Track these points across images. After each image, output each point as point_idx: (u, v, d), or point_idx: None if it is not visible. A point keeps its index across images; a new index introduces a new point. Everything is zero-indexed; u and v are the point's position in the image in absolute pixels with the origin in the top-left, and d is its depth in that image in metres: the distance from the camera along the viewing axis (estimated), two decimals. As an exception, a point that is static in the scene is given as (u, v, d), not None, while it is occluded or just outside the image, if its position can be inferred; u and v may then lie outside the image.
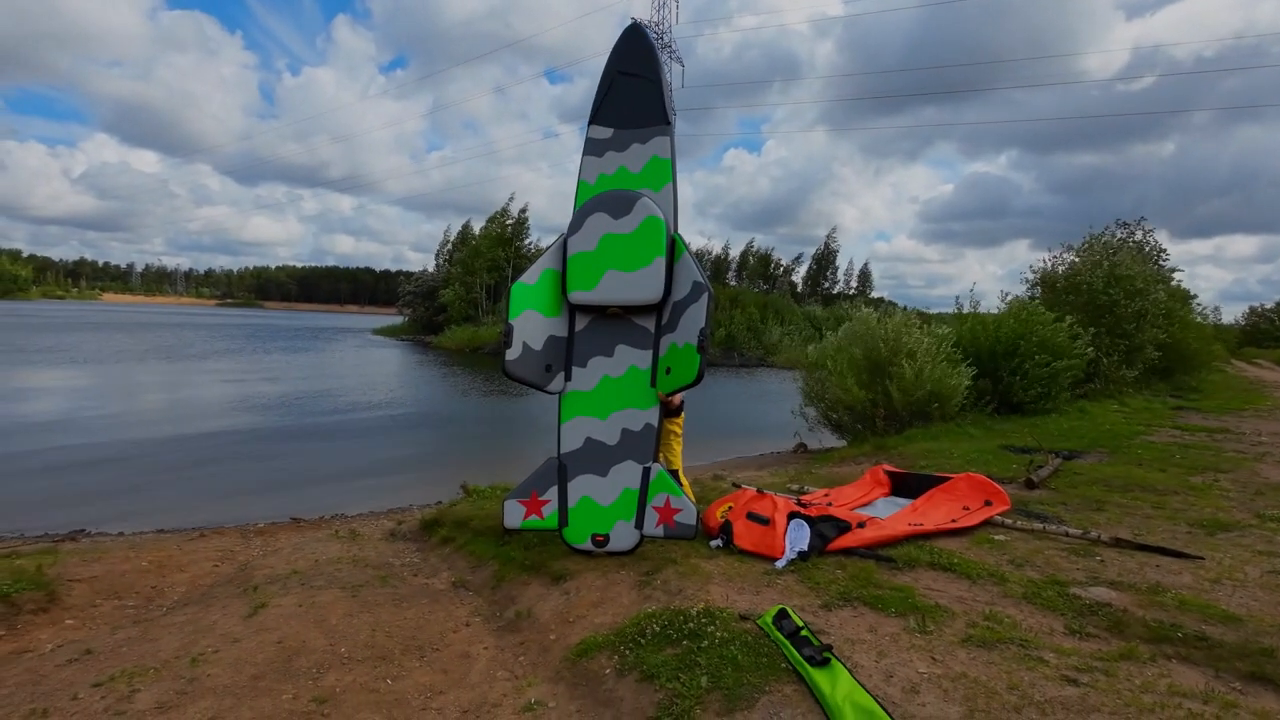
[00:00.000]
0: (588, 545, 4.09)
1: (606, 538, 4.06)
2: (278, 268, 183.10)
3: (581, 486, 4.12)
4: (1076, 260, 17.47)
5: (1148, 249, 21.14)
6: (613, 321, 4.21)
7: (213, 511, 7.94)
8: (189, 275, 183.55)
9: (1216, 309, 58.93)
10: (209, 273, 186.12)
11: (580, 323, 4.27)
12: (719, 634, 2.89)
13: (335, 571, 4.39)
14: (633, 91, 4.16)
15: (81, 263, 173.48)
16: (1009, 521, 4.98)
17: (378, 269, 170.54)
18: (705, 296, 3.83)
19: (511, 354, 4.02)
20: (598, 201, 4.12)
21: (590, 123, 4.27)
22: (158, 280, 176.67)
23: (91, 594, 4.23)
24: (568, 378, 4.23)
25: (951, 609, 3.34)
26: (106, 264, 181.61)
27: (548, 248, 4.31)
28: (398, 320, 58.51)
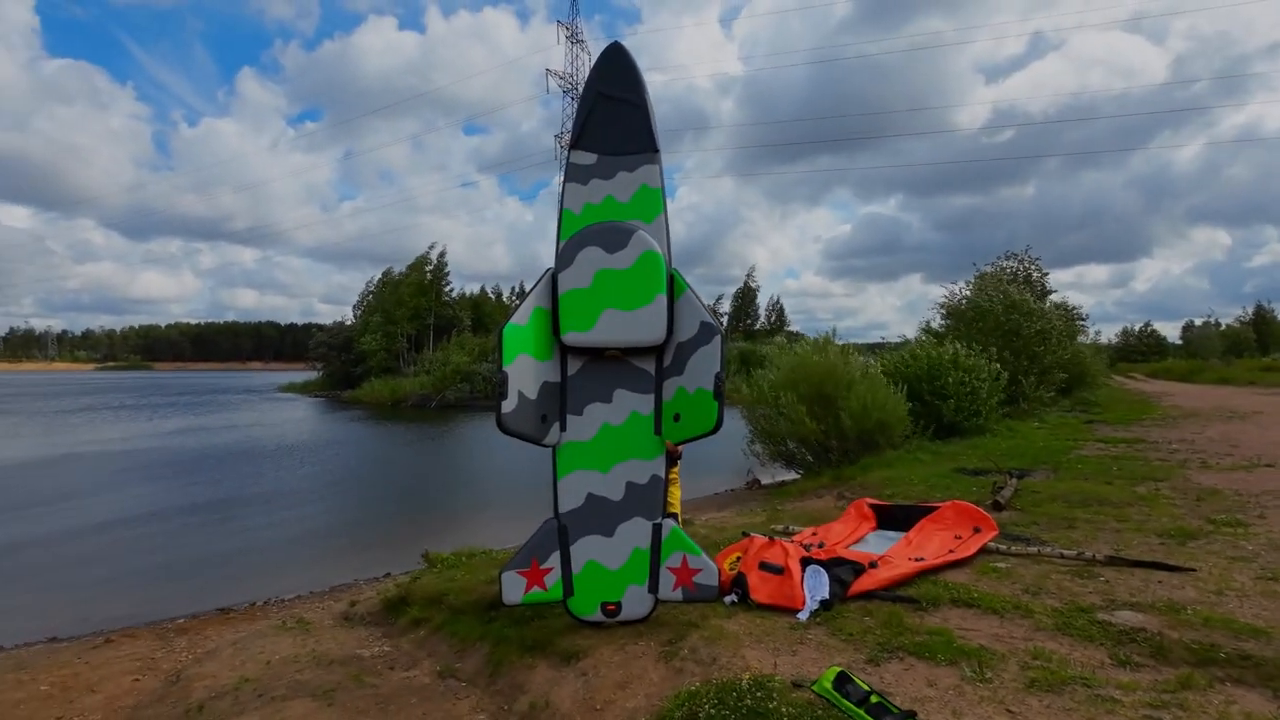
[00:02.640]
0: (598, 615, 3.69)
1: (618, 606, 3.68)
2: (168, 325, 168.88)
3: (586, 549, 3.73)
4: (969, 295, 18.91)
5: (1034, 276, 23.19)
6: (609, 364, 3.92)
7: (113, 606, 6.80)
8: (63, 337, 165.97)
9: (1098, 331, 66.07)
10: (87, 334, 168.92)
11: (573, 366, 3.94)
12: (784, 709, 2.59)
13: (297, 675, 3.73)
14: (617, 115, 3.95)
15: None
16: (1002, 547, 4.99)
17: (283, 323, 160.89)
18: (718, 339, 3.63)
19: (507, 406, 3.62)
20: (589, 234, 3.85)
21: (572, 147, 4.02)
22: (24, 344, 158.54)
23: (-25, 738, 3.38)
24: (563, 428, 3.87)
25: (996, 650, 3.20)
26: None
27: (534, 285, 3.98)
28: (309, 375, 54.92)
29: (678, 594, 3.63)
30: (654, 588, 3.67)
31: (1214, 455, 9.38)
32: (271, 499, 12.71)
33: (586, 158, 4.03)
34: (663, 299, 3.79)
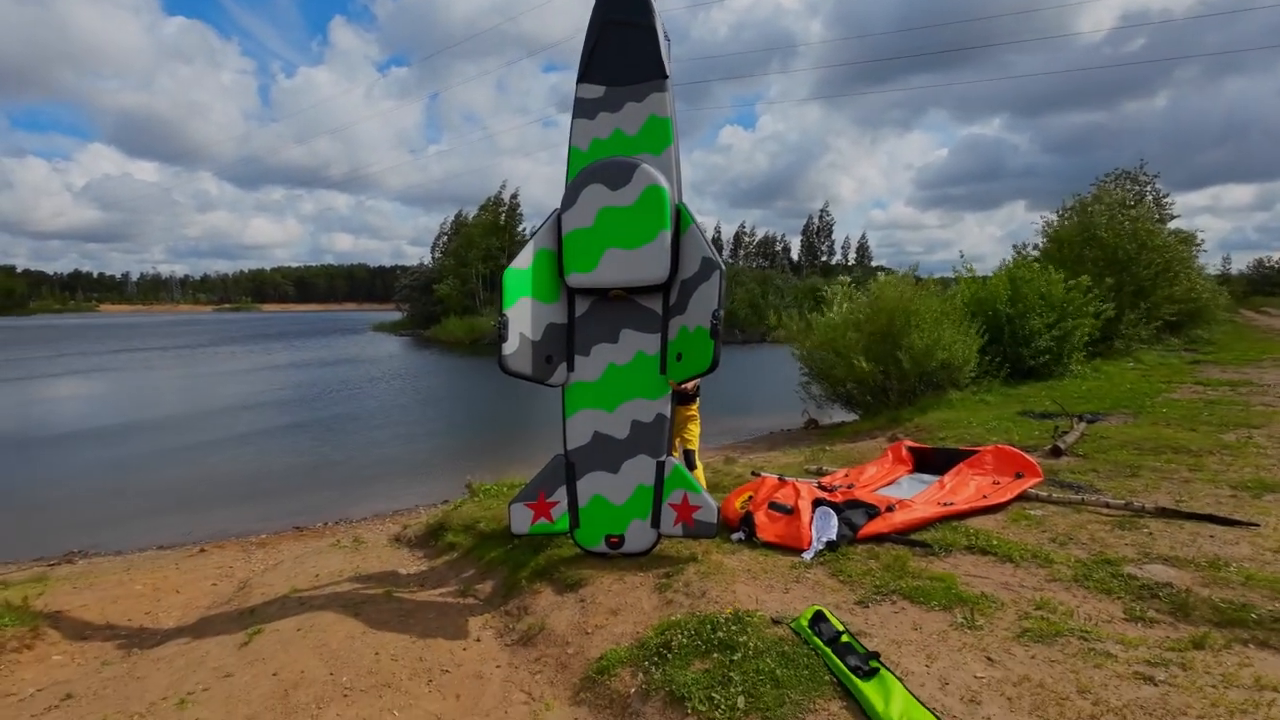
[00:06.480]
0: (602, 547, 3.84)
1: (621, 539, 3.80)
2: (273, 269, 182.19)
3: (592, 485, 3.86)
4: (1080, 212, 16.94)
5: (1150, 200, 20.62)
6: (616, 304, 3.91)
7: (215, 523, 7.72)
8: (185, 281, 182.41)
9: (1227, 258, 58.85)
10: (205, 278, 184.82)
11: (580, 307, 3.97)
12: (752, 643, 2.65)
13: (336, 588, 4.15)
14: (624, 42, 3.79)
15: (77, 275, 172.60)
16: (1043, 494, 4.72)
17: (373, 265, 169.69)
18: (716, 274, 3.53)
19: (508, 348, 3.72)
20: (592, 171, 3.78)
21: (580, 81, 3.90)
22: (154, 288, 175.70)
23: (80, 626, 4.01)
24: (570, 368, 3.94)
25: (999, 598, 3.09)
26: (102, 275, 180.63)
27: (539, 226, 3.99)
28: (396, 316, 58.04)
29: (678, 529, 3.71)
30: (656, 522, 3.76)
31: (1334, 400, 8.35)
32: (357, 427, 13.83)
33: (594, 91, 3.92)
34: (666, 236, 3.70)
